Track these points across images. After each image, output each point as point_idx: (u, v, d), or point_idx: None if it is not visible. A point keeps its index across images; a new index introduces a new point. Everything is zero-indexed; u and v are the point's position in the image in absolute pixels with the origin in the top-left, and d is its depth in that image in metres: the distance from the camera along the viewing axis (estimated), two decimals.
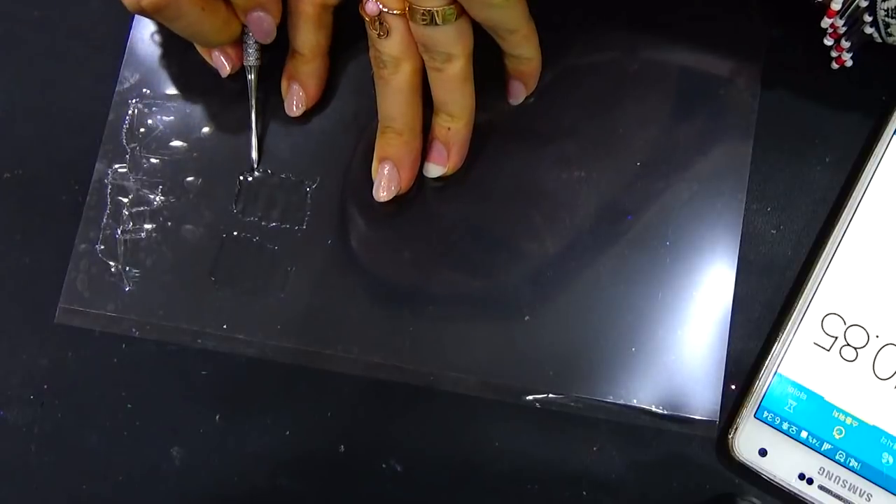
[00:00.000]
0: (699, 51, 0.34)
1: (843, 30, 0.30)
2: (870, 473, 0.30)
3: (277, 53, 0.33)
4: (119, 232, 0.32)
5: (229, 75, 0.32)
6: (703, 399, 0.32)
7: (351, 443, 0.32)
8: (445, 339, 0.32)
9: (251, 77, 0.32)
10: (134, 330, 0.32)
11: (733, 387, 0.32)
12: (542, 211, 0.33)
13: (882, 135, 0.32)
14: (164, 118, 0.33)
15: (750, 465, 0.31)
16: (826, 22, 0.29)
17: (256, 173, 0.33)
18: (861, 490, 0.30)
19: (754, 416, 0.31)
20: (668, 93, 0.34)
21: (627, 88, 0.34)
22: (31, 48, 0.34)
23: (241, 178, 0.33)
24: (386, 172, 0.31)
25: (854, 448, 0.31)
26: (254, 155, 0.32)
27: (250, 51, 0.31)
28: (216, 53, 0.31)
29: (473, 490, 0.32)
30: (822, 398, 0.31)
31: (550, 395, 0.32)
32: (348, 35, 0.33)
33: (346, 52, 0.33)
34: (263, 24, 0.30)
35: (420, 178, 0.33)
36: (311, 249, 0.32)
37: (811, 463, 0.31)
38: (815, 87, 0.34)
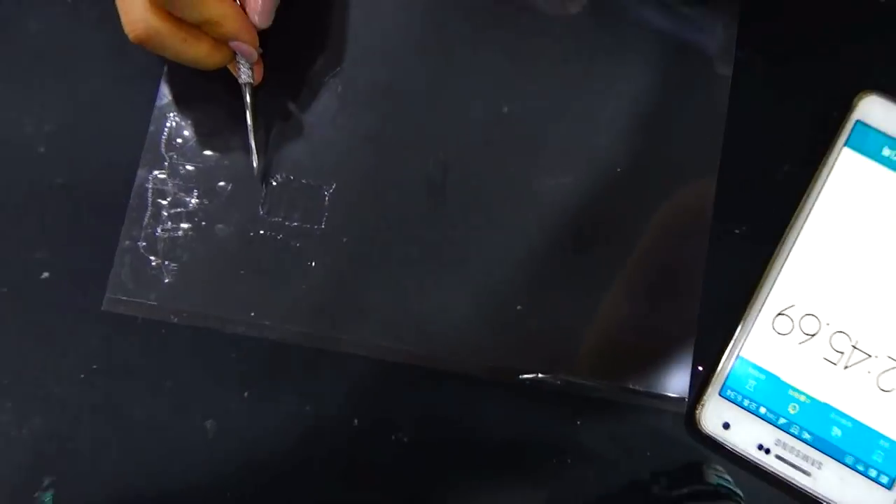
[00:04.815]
0: (668, 68, 0.34)
1: None
2: (820, 444, 0.31)
3: (281, 74, 0.33)
4: (159, 231, 0.32)
5: (256, 92, 0.32)
6: (674, 379, 0.32)
7: (363, 417, 0.32)
8: (447, 326, 0.32)
9: (246, 94, 0.32)
10: (172, 317, 0.32)
11: (700, 368, 0.32)
12: (532, 214, 0.33)
13: (833, 148, 0.33)
14: (198, 130, 0.33)
15: (715, 436, 0.31)
16: None
17: (273, 182, 0.33)
18: (813, 459, 0.31)
19: (719, 393, 0.31)
20: (642, 107, 0.34)
21: (604, 99, 0.34)
22: (83, 70, 0.34)
23: (267, 182, 0.33)
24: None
25: (806, 422, 0.31)
26: (254, 163, 0.32)
27: (242, 70, 0.31)
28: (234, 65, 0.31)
29: (471, 458, 0.32)
30: (778, 378, 0.32)
31: (540, 375, 0.32)
32: (358, 57, 0.34)
33: (356, 72, 0.34)
34: (244, 49, 0.31)
35: (423, 184, 0.33)
36: (328, 246, 0.32)
37: (769, 435, 0.31)
38: (776, 102, 0.34)
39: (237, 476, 0.31)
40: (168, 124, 0.33)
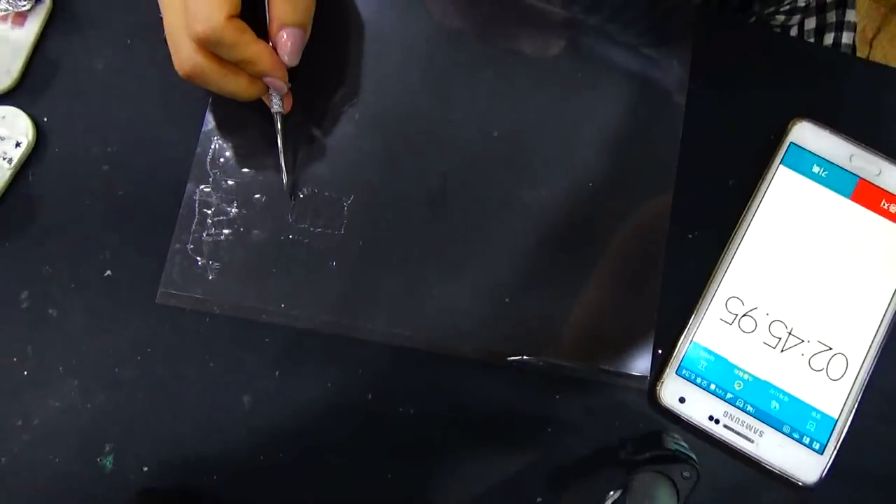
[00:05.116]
0: (630, 90, 0.35)
1: None
2: (762, 416, 0.33)
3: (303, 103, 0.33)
4: (204, 235, 0.33)
5: (286, 119, 0.33)
6: (637, 360, 0.33)
7: (376, 392, 0.33)
8: (447, 316, 0.33)
9: (277, 121, 0.32)
10: (215, 308, 0.32)
11: (660, 351, 0.34)
12: (519, 220, 0.34)
13: (771, 165, 0.35)
14: (237, 151, 0.34)
15: (672, 409, 0.33)
16: None
17: (301, 195, 0.33)
18: (755, 429, 0.33)
19: (675, 372, 0.33)
20: (610, 131, 0.35)
21: (578, 125, 0.35)
22: (141, 100, 0.34)
23: (295, 195, 0.33)
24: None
25: (750, 397, 0.33)
26: (284, 179, 0.32)
27: (274, 101, 0.32)
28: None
29: (466, 428, 0.33)
30: (726, 360, 0.33)
31: (525, 358, 0.33)
32: (372, 90, 0.34)
33: (370, 102, 0.34)
34: (276, 84, 0.31)
35: (426, 195, 0.34)
36: (347, 248, 0.33)
37: (718, 408, 0.33)
38: (723, 126, 0.36)
39: (270, 443, 0.32)
40: (212, 146, 0.33)
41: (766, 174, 0.35)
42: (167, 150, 0.34)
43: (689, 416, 0.33)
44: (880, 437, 0.34)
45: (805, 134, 0.35)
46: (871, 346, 0.33)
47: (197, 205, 0.33)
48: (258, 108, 0.33)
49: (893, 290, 0.34)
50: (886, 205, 0.34)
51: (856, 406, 0.33)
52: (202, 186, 0.33)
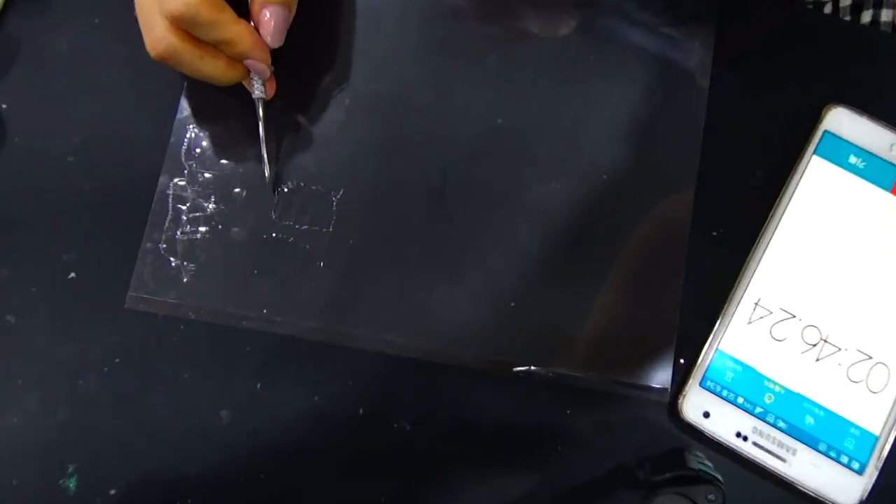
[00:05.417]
0: (650, 71, 0.34)
1: None
2: (794, 432, 0.31)
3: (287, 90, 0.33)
4: (178, 233, 0.32)
5: (269, 106, 0.32)
6: (657, 371, 0.32)
7: (368, 406, 0.32)
8: (446, 322, 0.32)
9: (259, 108, 0.32)
10: (190, 314, 0.32)
11: (682, 361, 0.32)
12: (524, 217, 0.33)
13: (803, 156, 0.34)
14: (215, 141, 0.33)
15: (696, 425, 0.31)
16: None
17: (285, 189, 0.32)
18: (787, 446, 0.31)
19: (699, 384, 0.32)
20: (626, 119, 0.34)
21: (591, 113, 0.34)
22: (109, 85, 0.34)
23: (279, 189, 0.33)
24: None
25: (781, 411, 0.31)
26: (266, 171, 0.32)
27: (255, 85, 0.31)
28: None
29: (468, 446, 0.32)
30: (754, 370, 0.32)
31: (532, 368, 0.32)
32: (363, 73, 0.34)
33: (361, 87, 0.34)
34: (257, 67, 0.31)
35: (424, 190, 0.33)
36: (336, 248, 0.32)
37: (746, 423, 0.31)
38: (750, 113, 0.35)
39: (250, 463, 0.31)
40: (188, 136, 0.33)
41: (798, 165, 0.34)
42: (138, 139, 0.33)
43: (714, 432, 0.32)
44: None
45: (841, 121, 0.34)
46: None
47: (170, 200, 0.33)
48: (238, 93, 0.33)
49: None
50: None
51: None
52: (176, 180, 0.33)
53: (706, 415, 0.32)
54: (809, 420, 0.32)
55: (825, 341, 0.32)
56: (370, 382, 0.32)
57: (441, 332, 0.32)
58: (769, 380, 0.32)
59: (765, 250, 0.33)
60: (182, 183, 0.33)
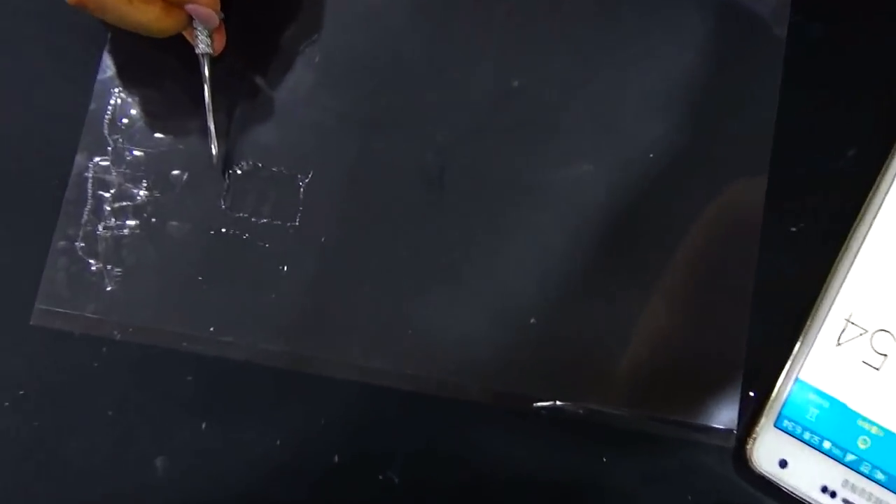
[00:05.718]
0: (713, 45, 0.32)
1: None
2: None
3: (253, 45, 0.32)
4: (100, 228, 0.31)
5: (216, 64, 0.30)
6: (719, 406, 0.30)
7: (346, 452, 0.30)
8: (447, 344, 0.30)
9: (204, 66, 0.30)
10: (115, 332, 0.30)
11: (752, 393, 0.30)
12: (547, 208, 0.31)
13: None
14: (147, 109, 0.32)
15: (769, 476, 0.29)
16: None
17: (238, 171, 0.31)
18: None
19: (774, 424, 0.29)
20: (681, 79, 0.32)
21: (634, 73, 0.32)
22: (12, 38, 0.32)
23: (230, 171, 0.31)
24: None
25: (880, 459, 0.29)
26: (213, 148, 0.31)
27: (199, 38, 0.30)
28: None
29: (475, 502, 0.30)
30: (845, 406, 0.30)
31: (558, 403, 0.30)
32: (340, 22, 0.32)
33: (337, 40, 0.32)
34: (201, 13, 0.29)
35: (417, 174, 0.31)
36: (303, 247, 0.31)
37: (834, 475, 0.29)
38: (837, 75, 0.32)
39: None
40: (112, 102, 0.32)
41: None
42: (49, 107, 0.32)
43: (793, 486, 0.29)
44: None
45: None
46: None
47: (90, 185, 0.31)
48: (177, 47, 0.31)
49: None
50: None
51: None
52: (97, 159, 0.31)
53: (783, 464, 0.29)
54: None
55: None
56: (347, 422, 0.30)
57: (438, 358, 0.30)
58: (864, 419, 0.29)
59: (858, 251, 0.30)
60: (105, 163, 0.31)
